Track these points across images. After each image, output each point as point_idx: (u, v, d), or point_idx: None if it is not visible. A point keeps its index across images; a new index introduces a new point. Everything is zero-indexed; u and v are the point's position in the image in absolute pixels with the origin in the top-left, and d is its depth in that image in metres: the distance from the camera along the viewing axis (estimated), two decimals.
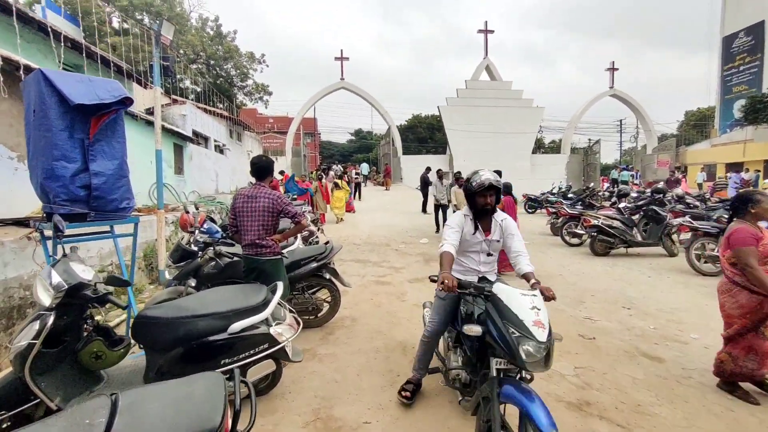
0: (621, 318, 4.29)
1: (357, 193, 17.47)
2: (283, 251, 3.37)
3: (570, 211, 8.23)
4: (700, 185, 20.44)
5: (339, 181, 13.17)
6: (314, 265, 3.86)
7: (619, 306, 4.65)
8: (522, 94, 26.30)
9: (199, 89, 27.72)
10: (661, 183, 17.98)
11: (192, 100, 16.97)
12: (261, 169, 3.24)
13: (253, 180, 3.33)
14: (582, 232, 8.02)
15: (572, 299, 4.85)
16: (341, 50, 24.83)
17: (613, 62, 27.46)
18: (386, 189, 21.20)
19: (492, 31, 26.10)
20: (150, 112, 8.41)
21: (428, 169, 14.69)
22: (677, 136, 34.74)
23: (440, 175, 10.42)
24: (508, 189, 5.85)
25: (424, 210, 13.58)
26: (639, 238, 6.89)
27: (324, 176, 16.03)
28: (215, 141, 13.05)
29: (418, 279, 5.85)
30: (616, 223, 6.87)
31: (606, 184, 24.55)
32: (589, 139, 31.83)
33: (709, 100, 34.08)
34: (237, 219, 3.19)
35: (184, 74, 26.32)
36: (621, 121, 42.56)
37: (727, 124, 28.63)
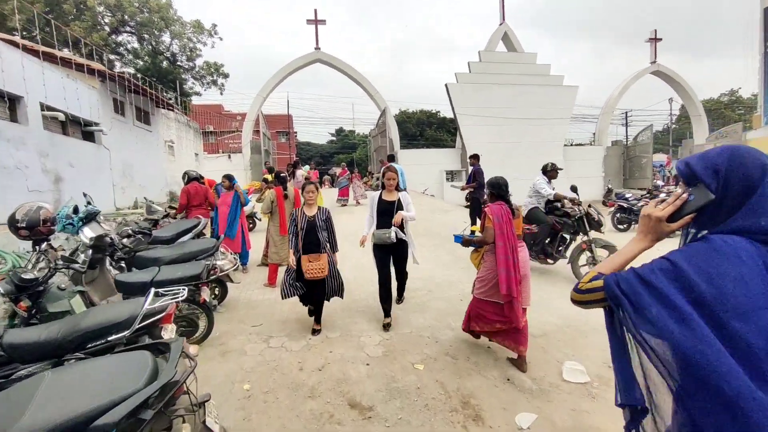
0: None
1: None
2: None
3: None
4: None
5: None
6: None
7: None
8: (549, 69, 20.58)
9: (132, 72, 20.77)
10: None
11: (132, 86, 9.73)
12: None
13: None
14: None
15: None
16: (315, 11, 18.45)
17: (656, 31, 22.11)
18: None
19: None
20: None
21: (477, 158, 8.47)
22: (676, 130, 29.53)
23: None
24: (496, 188, 3.34)
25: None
26: None
27: (289, 178, 9.66)
28: (51, 110, 6.38)
29: None
30: None
31: (660, 182, 19.08)
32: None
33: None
34: None
35: (105, 45, 19.36)
36: (626, 113, 37.94)
37: None
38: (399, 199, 3.96)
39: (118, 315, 2.15)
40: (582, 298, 1.07)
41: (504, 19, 20.34)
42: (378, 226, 3.94)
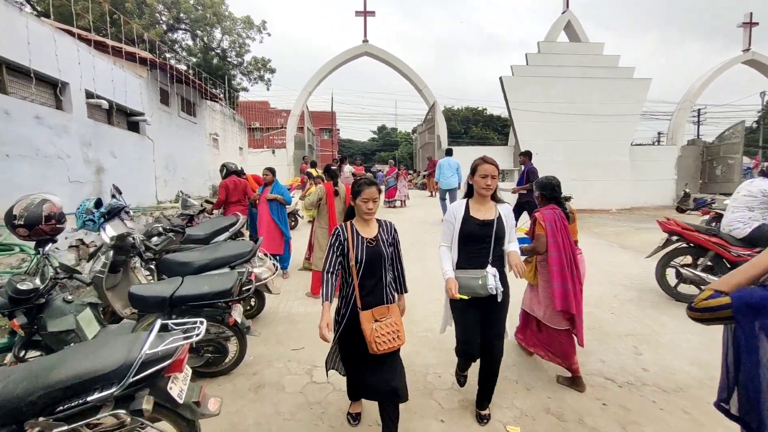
0: None
1: None
2: None
3: None
4: None
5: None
6: None
7: None
8: (618, 61, 18.58)
9: (185, 68, 21.30)
10: None
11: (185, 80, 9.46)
12: None
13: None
14: None
15: None
16: (364, 1, 17.77)
17: (751, 14, 19.30)
18: (431, 195, 13.98)
19: None
20: None
21: (529, 156, 7.33)
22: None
23: None
24: (548, 189, 2.83)
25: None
26: None
27: (337, 174, 8.90)
28: (97, 98, 6.11)
29: None
30: None
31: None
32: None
33: None
34: None
35: (161, 42, 19.92)
36: (699, 110, 34.12)
37: None
38: (500, 216, 2.26)
39: (104, 363, 1.46)
40: (700, 316, 1.06)
41: (567, 7, 18.63)
42: (460, 264, 2.25)
